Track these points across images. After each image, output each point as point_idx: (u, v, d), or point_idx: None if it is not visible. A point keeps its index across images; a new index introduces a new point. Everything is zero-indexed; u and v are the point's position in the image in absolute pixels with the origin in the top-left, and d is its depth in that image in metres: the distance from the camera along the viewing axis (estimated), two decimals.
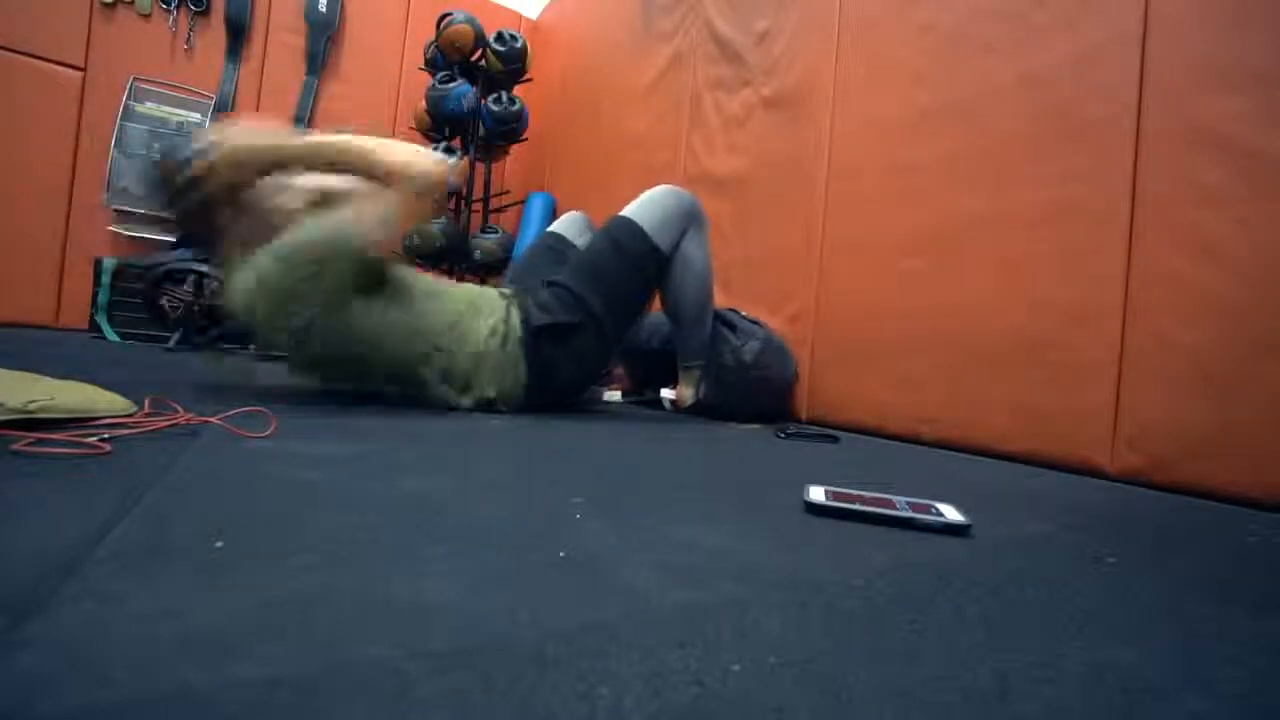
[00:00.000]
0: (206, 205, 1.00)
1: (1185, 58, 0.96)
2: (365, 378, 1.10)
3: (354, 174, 1.05)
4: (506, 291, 1.25)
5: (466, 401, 1.13)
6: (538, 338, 1.16)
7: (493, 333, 1.14)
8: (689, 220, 1.29)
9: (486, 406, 1.15)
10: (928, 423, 1.26)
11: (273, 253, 0.96)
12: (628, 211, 1.28)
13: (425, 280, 1.18)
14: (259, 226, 1.01)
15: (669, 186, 1.31)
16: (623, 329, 1.28)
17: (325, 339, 1.01)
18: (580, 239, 1.48)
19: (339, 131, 1.08)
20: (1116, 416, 0.99)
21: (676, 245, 1.27)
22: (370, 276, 1.05)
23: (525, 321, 1.17)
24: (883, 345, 1.36)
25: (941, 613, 0.37)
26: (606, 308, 1.20)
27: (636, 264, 1.24)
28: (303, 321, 0.98)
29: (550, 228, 1.56)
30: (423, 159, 1.07)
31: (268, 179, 1.04)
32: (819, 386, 1.50)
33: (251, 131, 1.02)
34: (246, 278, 0.97)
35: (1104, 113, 1.04)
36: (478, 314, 1.16)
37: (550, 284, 1.23)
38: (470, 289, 1.23)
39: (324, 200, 1.05)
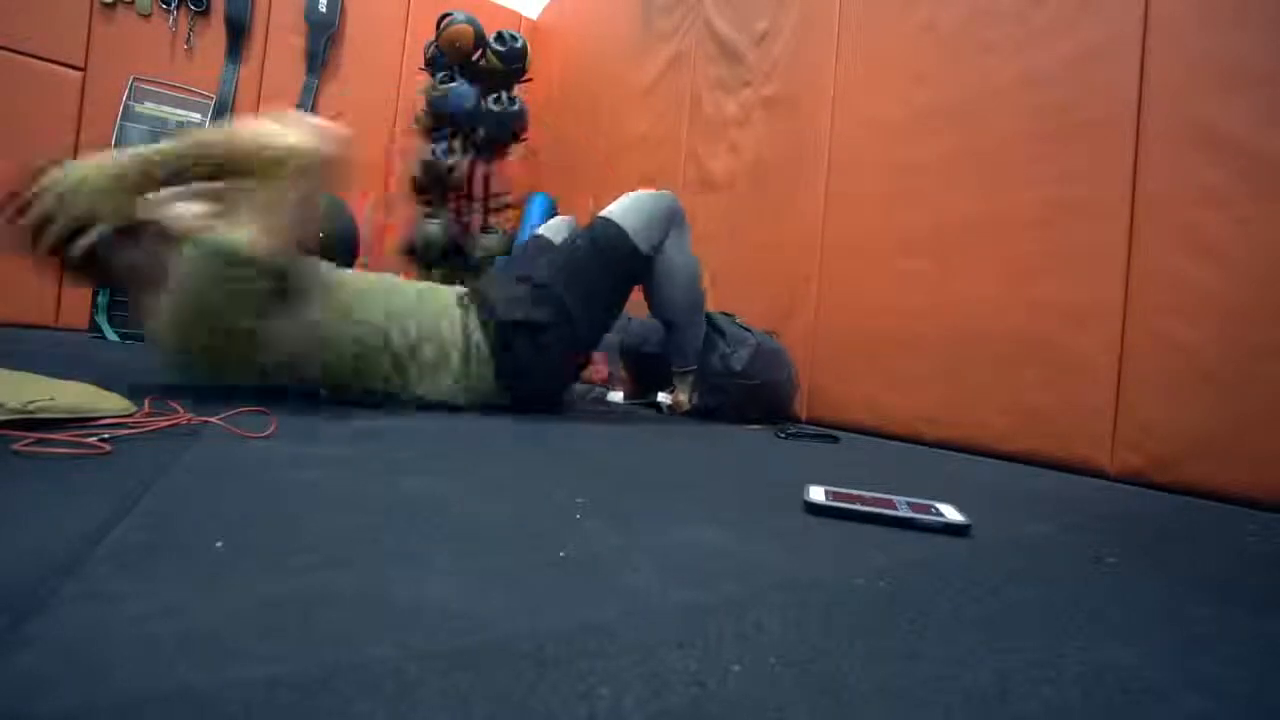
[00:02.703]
0: (95, 251, 0.91)
1: (1185, 58, 0.96)
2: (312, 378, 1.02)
3: (226, 173, 0.92)
4: (463, 294, 1.19)
5: (457, 400, 1.09)
6: (506, 335, 1.12)
7: (454, 333, 1.11)
8: (671, 223, 1.28)
9: (462, 407, 1.10)
10: (928, 423, 1.26)
11: (176, 287, 0.90)
12: (609, 213, 1.26)
13: (361, 278, 1.11)
14: (156, 259, 0.93)
15: (650, 190, 1.30)
16: (598, 330, 1.27)
17: (252, 352, 0.94)
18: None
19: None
20: (1116, 416, 0.99)
21: (658, 248, 1.26)
22: (280, 281, 0.95)
23: (491, 317, 1.12)
24: (883, 345, 1.36)
25: (941, 613, 0.37)
26: (582, 308, 1.18)
27: (616, 266, 1.23)
28: (222, 339, 0.92)
29: (537, 230, 1.54)
30: (284, 137, 0.91)
31: (149, 201, 0.94)
32: (819, 386, 1.50)
33: (99, 159, 0.91)
34: (164, 316, 0.92)
35: (1104, 112, 1.04)
36: (433, 313, 1.11)
37: (523, 279, 1.19)
38: (422, 285, 1.18)
39: (208, 218, 0.94)
